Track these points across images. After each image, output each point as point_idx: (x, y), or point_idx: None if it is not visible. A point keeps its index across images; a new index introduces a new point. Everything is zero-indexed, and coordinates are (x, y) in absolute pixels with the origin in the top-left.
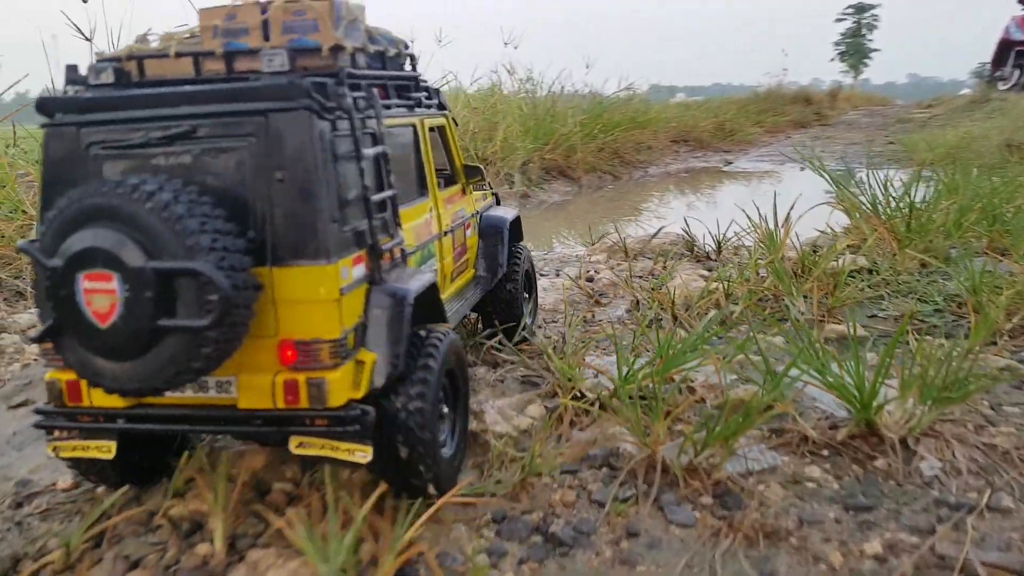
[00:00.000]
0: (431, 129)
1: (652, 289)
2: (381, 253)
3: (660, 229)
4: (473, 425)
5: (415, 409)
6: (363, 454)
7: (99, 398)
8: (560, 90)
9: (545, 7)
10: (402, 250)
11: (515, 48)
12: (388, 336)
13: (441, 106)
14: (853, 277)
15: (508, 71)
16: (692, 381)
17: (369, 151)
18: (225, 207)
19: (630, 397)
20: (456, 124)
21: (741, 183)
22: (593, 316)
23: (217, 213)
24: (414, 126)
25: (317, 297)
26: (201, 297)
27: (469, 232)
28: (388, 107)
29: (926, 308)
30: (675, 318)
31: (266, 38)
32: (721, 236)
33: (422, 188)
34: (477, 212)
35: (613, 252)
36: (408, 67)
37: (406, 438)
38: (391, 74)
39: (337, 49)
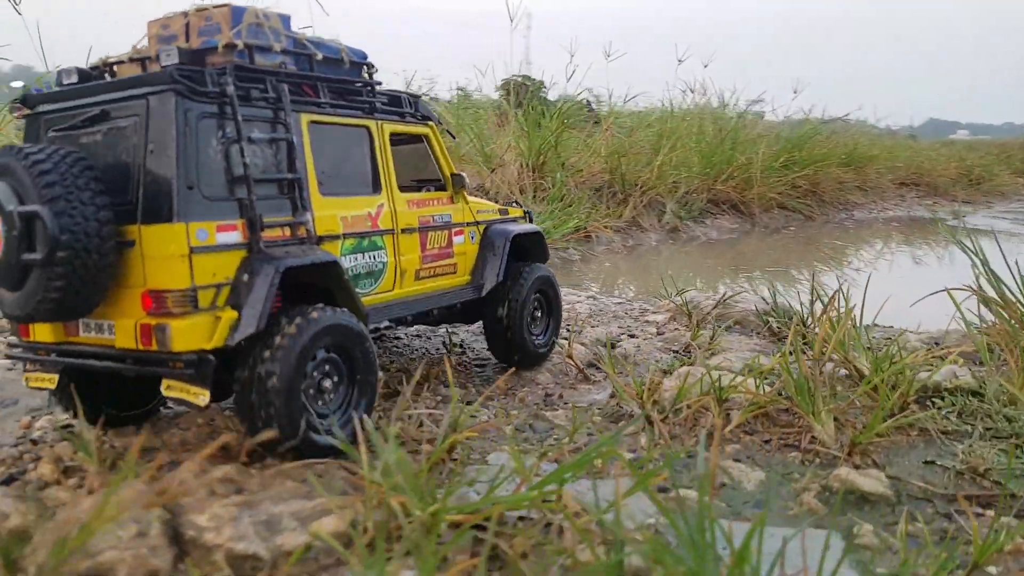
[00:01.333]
0: (395, 134)
1: (645, 381)
2: (260, 226)
3: (724, 296)
4: None
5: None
6: (203, 398)
7: (40, 333)
8: (751, 115)
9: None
10: (307, 230)
11: (704, 66)
12: (253, 298)
13: (423, 116)
14: (942, 398)
15: (690, 90)
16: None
17: (260, 135)
18: (111, 174)
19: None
20: (454, 137)
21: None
22: (559, 398)
23: (87, 175)
24: (368, 128)
25: (168, 253)
26: (45, 237)
27: (460, 239)
28: (319, 105)
29: (1018, 465)
30: (649, 421)
31: (187, 41)
32: (809, 311)
33: (373, 184)
34: (479, 222)
35: (680, 313)
36: (365, 76)
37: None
38: (317, 76)
39: (230, 47)
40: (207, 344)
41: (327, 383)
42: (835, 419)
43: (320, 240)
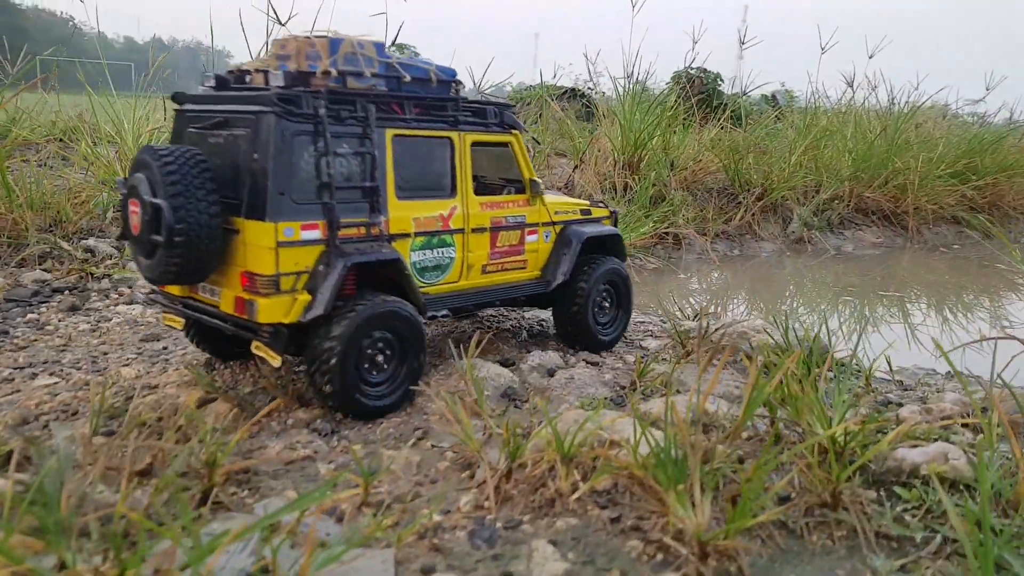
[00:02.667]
0: (478, 143)
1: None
2: (338, 226)
3: (703, 320)
4: None
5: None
6: (276, 361)
7: (171, 287)
8: (928, 110)
9: None
10: (380, 230)
11: (869, 58)
12: (324, 286)
13: (509, 126)
14: (911, 486)
15: (848, 83)
16: None
17: (346, 149)
18: (228, 172)
19: None
20: (539, 143)
21: None
22: (421, 432)
23: (204, 176)
24: (450, 138)
25: (260, 244)
26: (165, 225)
27: (533, 238)
28: (404, 120)
29: None
30: (496, 489)
31: (297, 63)
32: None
33: (450, 189)
34: (555, 222)
35: (677, 339)
36: (453, 93)
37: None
38: (403, 95)
39: (326, 74)
40: (284, 319)
41: (380, 358)
42: (714, 499)
43: (392, 238)
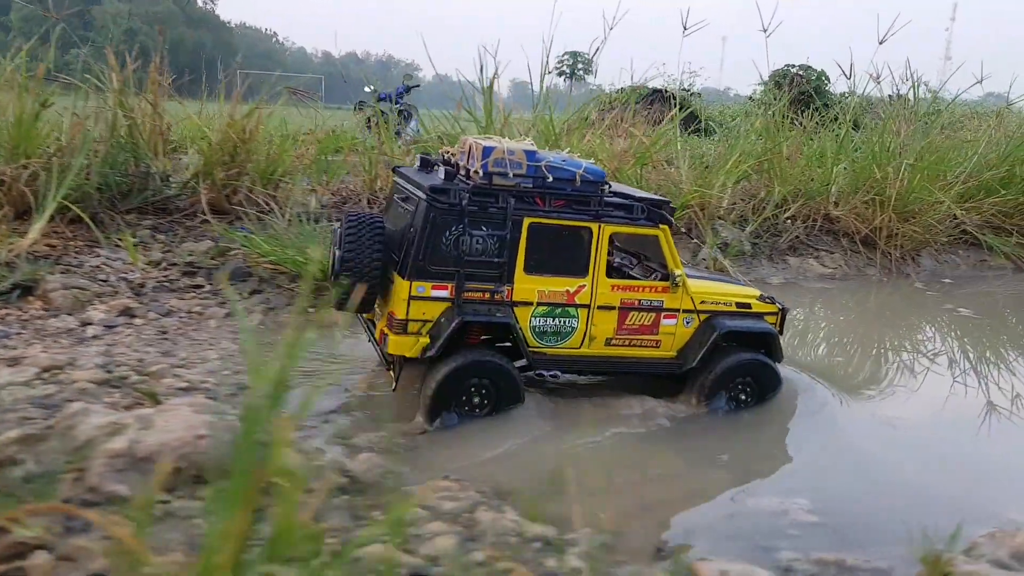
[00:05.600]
0: (616, 233)
1: None
2: (463, 289)
3: None
4: None
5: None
6: (393, 384)
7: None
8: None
9: None
10: (501, 297)
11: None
12: (441, 334)
13: (660, 220)
14: None
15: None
16: None
17: (480, 232)
18: (394, 238)
19: None
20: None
21: None
22: None
23: (376, 237)
24: (589, 228)
25: (399, 295)
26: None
27: (671, 321)
28: (545, 211)
29: None
30: None
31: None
32: None
33: (581, 270)
34: (700, 312)
35: None
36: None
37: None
38: (544, 190)
39: (477, 173)
40: (407, 354)
41: (476, 399)
42: None
43: (515, 304)
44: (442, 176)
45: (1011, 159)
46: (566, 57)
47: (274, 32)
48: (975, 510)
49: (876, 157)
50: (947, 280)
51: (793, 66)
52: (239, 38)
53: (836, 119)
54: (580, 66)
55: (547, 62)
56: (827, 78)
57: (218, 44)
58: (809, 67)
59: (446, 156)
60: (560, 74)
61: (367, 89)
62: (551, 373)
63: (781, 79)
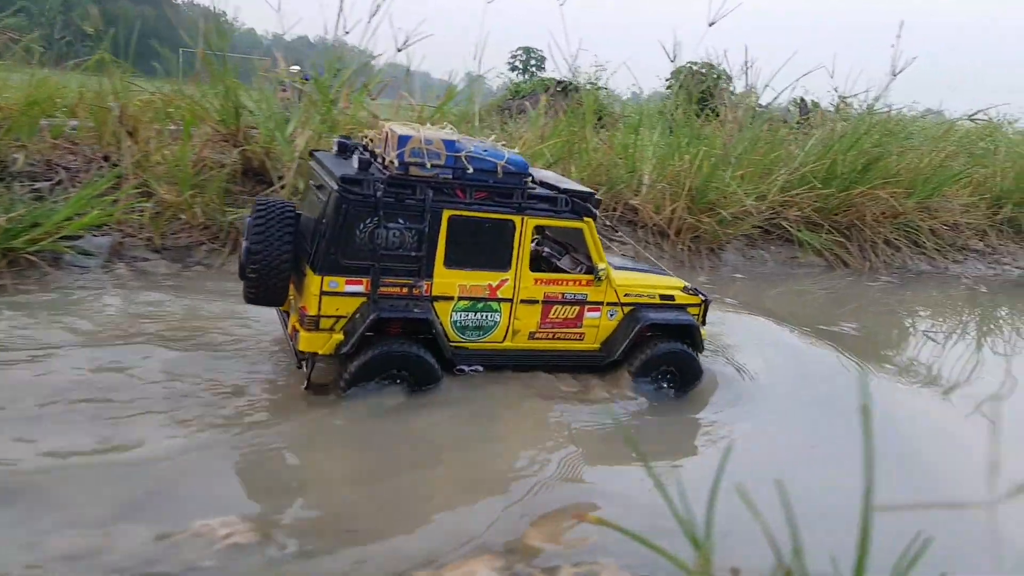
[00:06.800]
0: (539, 227)
1: None
2: (378, 284)
3: None
4: None
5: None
6: (306, 382)
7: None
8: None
9: None
10: (421, 292)
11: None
12: (355, 330)
13: (583, 213)
14: None
15: None
16: None
17: (397, 225)
18: (311, 226)
19: None
20: (616, 231)
21: None
22: None
23: (286, 227)
24: (512, 221)
25: (310, 290)
26: (245, 260)
27: (594, 314)
28: (466, 203)
29: None
30: None
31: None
32: None
33: (503, 263)
34: (624, 304)
35: None
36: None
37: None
38: (463, 182)
39: (392, 163)
40: (320, 351)
41: (398, 381)
42: None
43: (435, 299)
44: (356, 165)
45: (833, 151)
46: (519, 52)
47: (223, 11)
48: None
49: (679, 148)
50: (739, 276)
51: (696, 63)
52: (182, 16)
53: (718, 115)
54: (533, 61)
55: (481, 55)
56: (728, 77)
57: (160, 20)
58: (711, 65)
59: (365, 143)
60: (512, 68)
61: (293, 69)
62: (471, 368)
63: (681, 76)
